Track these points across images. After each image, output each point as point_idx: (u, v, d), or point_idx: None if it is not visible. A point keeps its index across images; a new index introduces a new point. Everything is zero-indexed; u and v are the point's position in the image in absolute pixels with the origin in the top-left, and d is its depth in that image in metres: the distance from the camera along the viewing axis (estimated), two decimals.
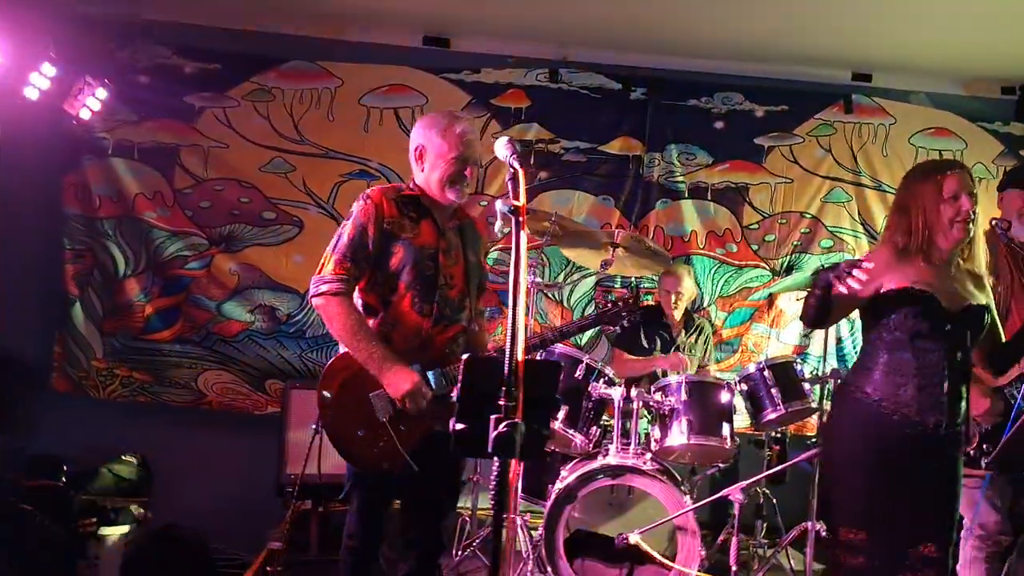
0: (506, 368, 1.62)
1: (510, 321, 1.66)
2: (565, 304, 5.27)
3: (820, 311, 2.62)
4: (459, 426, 1.72)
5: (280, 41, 4.97)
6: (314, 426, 2.64)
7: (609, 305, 3.03)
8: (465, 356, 1.76)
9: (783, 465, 3.72)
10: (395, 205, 2.64)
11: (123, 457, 4.62)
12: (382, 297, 2.62)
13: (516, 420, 1.58)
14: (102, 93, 3.98)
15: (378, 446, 2.52)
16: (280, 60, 4.97)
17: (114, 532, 4.29)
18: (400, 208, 2.64)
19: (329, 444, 2.60)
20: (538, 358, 3.35)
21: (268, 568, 4.06)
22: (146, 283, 4.91)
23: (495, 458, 1.61)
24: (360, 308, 2.63)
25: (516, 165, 1.88)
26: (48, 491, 4.07)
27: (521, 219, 1.76)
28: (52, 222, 4.82)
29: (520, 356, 1.64)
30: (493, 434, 1.58)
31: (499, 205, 1.82)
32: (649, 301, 5.18)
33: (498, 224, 1.80)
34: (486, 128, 5.11)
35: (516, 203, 1.78)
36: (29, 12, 3.30)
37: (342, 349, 2.62)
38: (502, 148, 1.97)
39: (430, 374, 2.57)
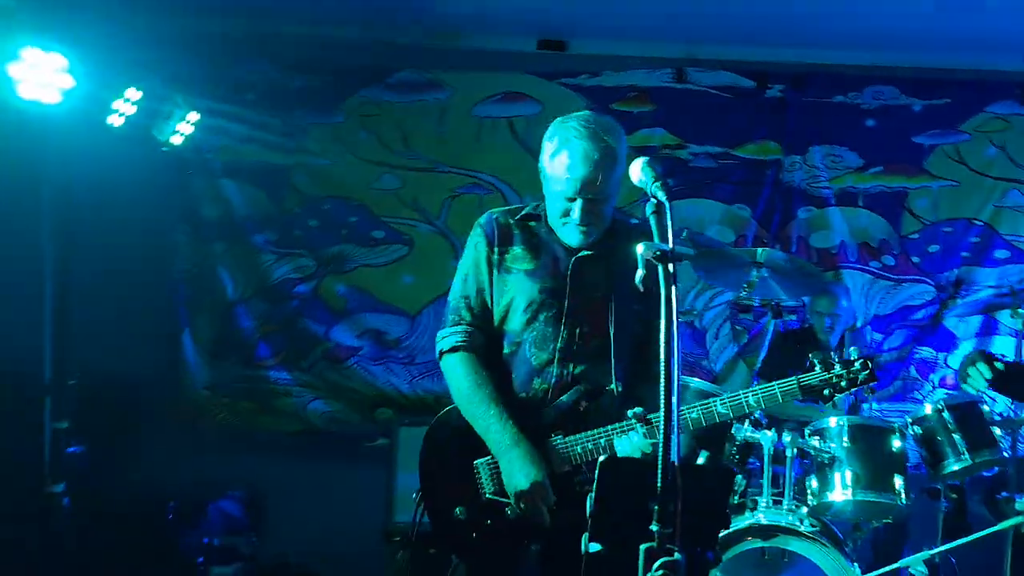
0: (659, 478, 1.20)
1: (662, 408, 1.24)
2: (697, 325, 4.78)
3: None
4: (593, 547, 1.31)
5: (389, 51, 4.74)
6: (415, 496, 2.19)
7: (819, 371, 2.19)
8: (602, 458, 1.35)
9: (977, 535, 3.10)
10: (509, 229, 2.16)
11: (229, 493, 4.47)
12: (498, 343, 2.15)
13: (675, 556, 1.16)
14: (194, 116, 3.80)
15: (481, 529, 2.05)
16: (390, 71, 4.73)
17: (224, 571, 4.14)
18: (517, 233, 2.15)
19: None
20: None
21: None
22: (254, 308, 4.78)
23: None
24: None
25: (661, 196, 1.45)
26: (155, 529, 3.96)
27: (671, 269, 1.33)
28: (161, 247, 4.73)
29: (676, 457, 1.21)
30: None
31: (641, 249, 1.39)
32: (792, 323, 4.64)
33: (639, 275, 1.34)
34: None
35: (663, 247, 1.36)
36: (113, 34, 3.11)
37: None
38: (640, 172, 1.55)
39: (555, 440, 2.04)
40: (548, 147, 2.06)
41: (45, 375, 2.51)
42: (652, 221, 1.46)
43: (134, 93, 3.18)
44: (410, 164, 4.73)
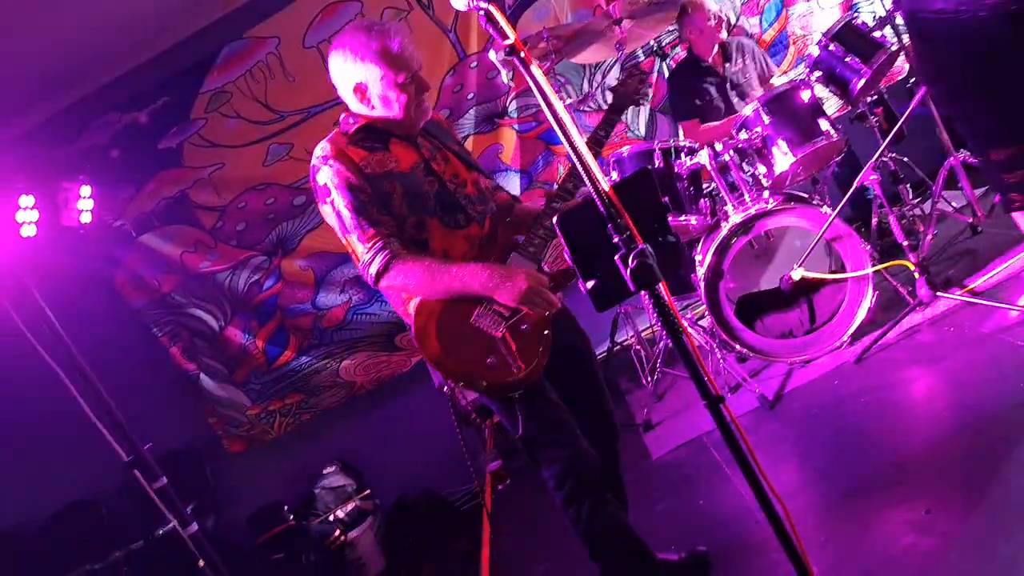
0: (599, 203, 1.48)
1: (573, 156, 1.51)
2: (604, 104, 4.98)
3: None
4: (589, 284, 1.61)
5: (203, 39, 4.70)
6: (445, 388, 2.54)
7: (619, 89, 2.74)
8: (555, 218, 1.62)
9: (898, 124, 3.44)
10: (357, 147, 2.31)
11: (324, 471, 4.81)
12: (416, 241, 2.31)
13: (639, 247, 1.45)
14: (87, 190, 3.88)
15: (515, 362, 2.22)
16: (214, 55, 4.70)
17: (359, 532, 4.53)
18: (363, 146, 2.32)
19: None
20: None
21: (499, 487, 4.22)
22: (243, 323, 4.98)
23: (642, 292, 1.48)
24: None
25: (483, 4, 1.65)
26: (285, 535, 4.31)
27: (523, 55, 1.56)
28: (132, 324, 4.90)
29: (605, 185, 1.49)
30: (627, 272, 1.45)
31: (492, 56, 1.62)
32: (677, 54, 4.86)
33: (504, 74, 1.54)
34: None
35: (507, 42, 1.58)
36: None
37: (412, 308, 2.30)
38: None
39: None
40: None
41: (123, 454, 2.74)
42: (491, 29, 1.65)
43: (27, 199, 3.25)
44: (285, 124, 4.79)
